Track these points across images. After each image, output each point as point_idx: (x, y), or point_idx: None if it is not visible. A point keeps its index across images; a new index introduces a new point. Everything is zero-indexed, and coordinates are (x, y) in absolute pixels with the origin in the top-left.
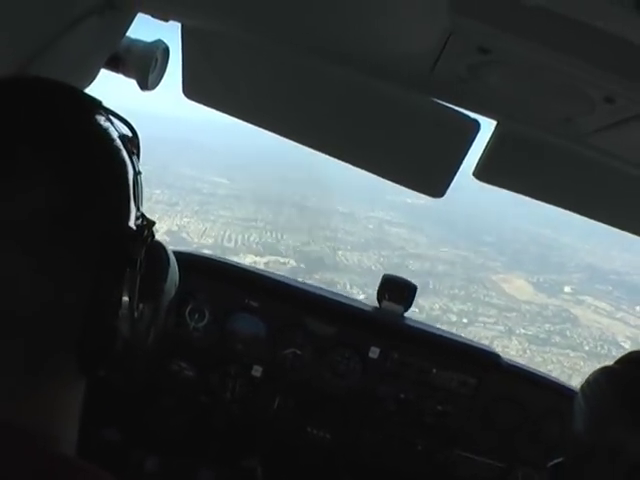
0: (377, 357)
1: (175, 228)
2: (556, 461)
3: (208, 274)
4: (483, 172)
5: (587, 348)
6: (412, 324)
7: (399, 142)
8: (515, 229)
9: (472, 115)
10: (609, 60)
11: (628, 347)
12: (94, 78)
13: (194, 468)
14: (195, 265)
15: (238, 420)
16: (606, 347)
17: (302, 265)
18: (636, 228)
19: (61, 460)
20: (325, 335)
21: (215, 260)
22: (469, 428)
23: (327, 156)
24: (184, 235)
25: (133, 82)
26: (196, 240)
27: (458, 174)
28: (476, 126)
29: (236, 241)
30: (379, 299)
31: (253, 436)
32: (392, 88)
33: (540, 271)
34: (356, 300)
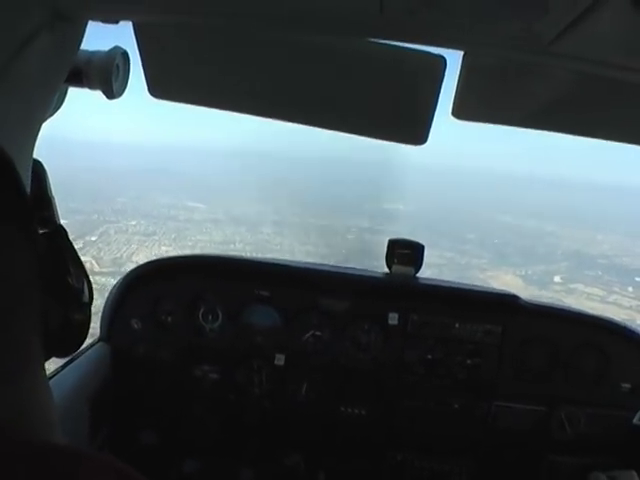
0: (397, 323)
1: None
2: None
3: (213, 273)
4: (461, 109)
5: None
6: (426, 282)
7: (369, 96)
8: (496, 223)
9: (436, 51)
10: None
11: None
12: (62, 100)
13: (234, 469)
14: (198, 267)
15: (271, 414)
16: None
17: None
18: (622, 134)
19: (56, 448)
20: (341, 311)
21: (217, 257)
22: (502, 377)
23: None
24: None
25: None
26: None
27: (428, 170)
28: (442, 62)
29: None
30: (388, 264)
31: (288, 428)
32: (348, 42)
33: (527, 263)
34: (365, 270)
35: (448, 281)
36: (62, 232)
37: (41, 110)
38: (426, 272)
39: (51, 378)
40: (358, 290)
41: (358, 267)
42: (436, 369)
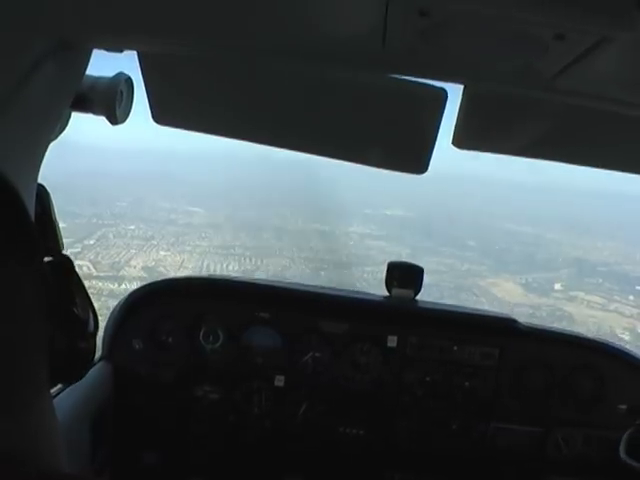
0: (396, 345)
1: (152, 263)
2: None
3: (214, 295)
4: (461, 139)
5: None
6: (424, 306)
7: (371, 126)
8: (496, 230)
9: (437, 84)
10: None
11: (628, 339)
12: (66, 123)
13: None
14: (199, 288)
15: (271, 434)
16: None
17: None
18: (620, 164)
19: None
20: (340, 333)
21: (218, 279)
22: (500, 398)
23: (303, 157)
24: (161, 269)
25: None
26: (173, 273)
27: (429, 177)
28: (444, 94)
29: (214, 271)
30: (388, 287)
31: (288, 448)
32: (352, 74)
33: (527, 271)
34: (366, 293)
35: (447, 304)
36: (68, 262)
37: (46, 135)
38: (426, 279)
39: (53, 397)
40: (358, 313)
41: (358, 290)
42: (434, 391)
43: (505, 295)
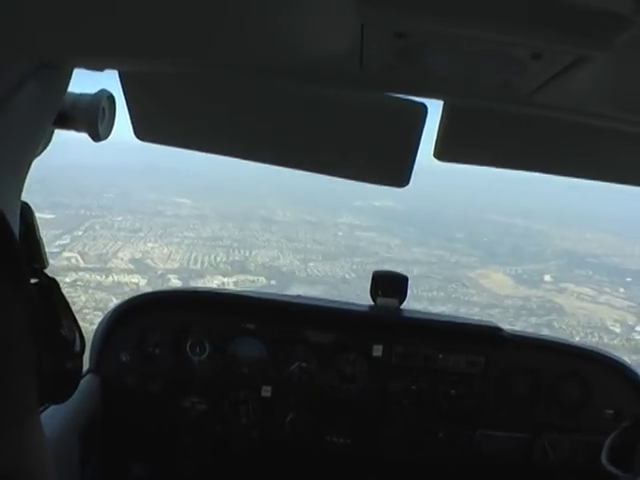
0: (381, 354)
1: (139, 255)
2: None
3: (200, 306)
4: (442, 152)
5: (577, 338)
6: (409, 315)
7: (353, 142)
8: (485, 222)
9: (417, 99)
10: (524, 17)
11: (619, 331)
12: (48, 141)
13: None
14: (185, 300)
15: (258, 444)
16: (597, 334)
17: (272, 282)
18: (598, 174)
19: None
20: (326, 343)
21: (203, 291)
22: (486, 406)
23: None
24: (148, 261)
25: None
26: (161, 266)
27: (418, 173)
28: (423, 109)
29: (202, 262)
30: (373, 297)
31: (276, 458)
32: (332, 90)
33: (517, 262)
34: (351, 303)
35: (432, 313)
36: (54, 285)
37: (29, 153)
38: (415, 270)
39: (41, 412)
40: (343, 322)
41: (344, 300)
42: (420, 399)
43: (494, 286)
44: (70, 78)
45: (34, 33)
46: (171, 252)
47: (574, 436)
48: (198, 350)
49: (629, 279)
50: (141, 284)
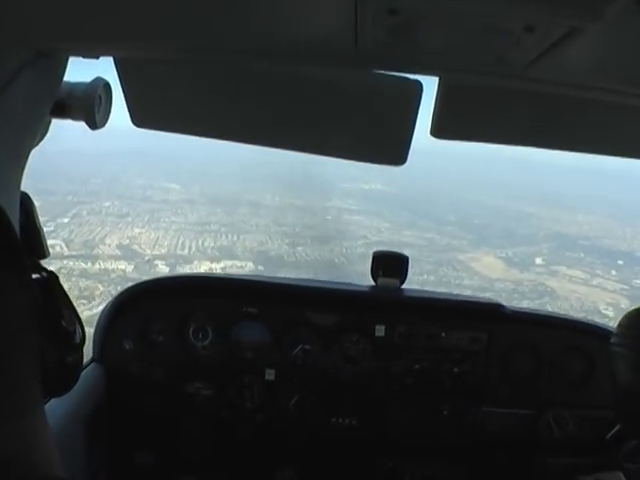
0: (384, 334)
1: (126, 241)
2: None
3: (201, 292)
4: (439, 129)
5: None
6: (411, 294)
7: (350, 121)
8: (476, 204)
9: (412, 76)
10: None
11: (612, 315)
12: (46, 130)
13: None
14: (187, 287)
15: (263, 428)
16: (590, 318)
17: (260, 267)
18: (595, 147)
19: None
20: (329, 325)
21: (205, 276)
22: (490, 383)
23: (285, 150)
24: (135, 247)
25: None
26: (148, 251)
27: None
28: (419, 87)
29: (190, 248)
30: (374, 277)
31: (281, 442)
32: (328, 70)
33: (508, 245)
34: (352, 284)
35: (433, 292)
36: (54, 278)
37: (27, 144)
38: (405, 252)
39: (46, 401)
40: (345, 304)
41: (345, 281)
42: (424, 378)
43: (485, 270)
44: (66, 67)
45: (29, 22)
46: (158, 237)
47: (578, 411)
48: (201, 336)
49: (621, 262)
50: (128, 270)
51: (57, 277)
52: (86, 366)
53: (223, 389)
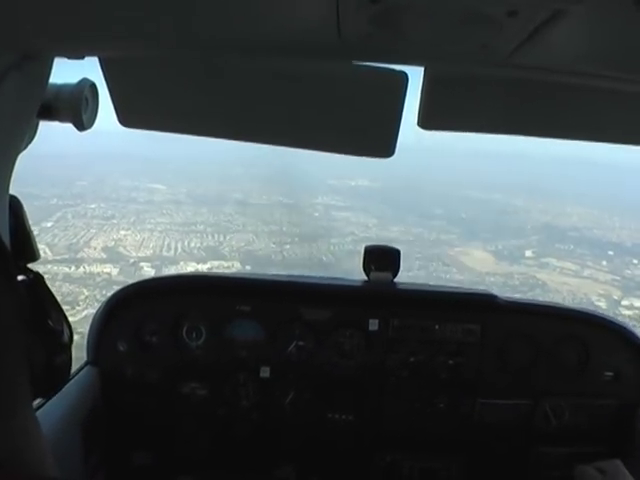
0: (377, 328)
1: (111, 243)
2: None
3: (194, 292)
4: (426, 120)
5: None
6: (404, 287)
7: (337, 114)
8: (463, 198)
9: (398, 67)
10: None
11: (604, 306)
12: (34, 133)
13: None
14: (179, 287)
15: (260, 426)
16: None
17: (247, 267)
18: (584, 134)
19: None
20: (322, 320)
21: (197, 276)
22: (485, 374)
23: (271, 146)
24: (121, 249)
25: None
26: (134, 254)
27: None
28: (404, 78)
29: (175, 249)
30: (366, 271)
31: (278, 439)
32: (313, 64)
33: (497, 238)
34: (344, 279)
35: (426, 284)
36: (40, 279)
37: (15, 147)
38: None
39: (42, 404)
40: (338, 299)
41: (338, 277)
42: (419, 371)
43: (475, 264)
44: (51, 69)
45: (13, 24)
46: (144, 239)
47: (575, 400)
48: (194, 335)
49: (611, 252)
50: (113, 274)
51: (43, 278)
52: (80, 369)
53: (218, 388)
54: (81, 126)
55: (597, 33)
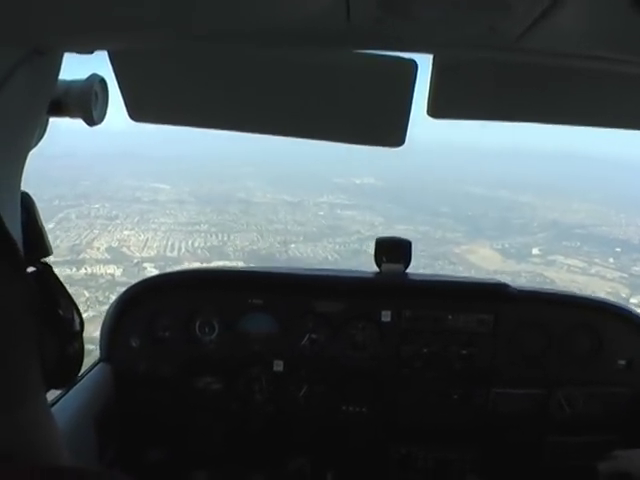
0: (390, 320)
1: (115, 244)
2: None
3: (206, 286)
4: (436, 108)
5: None
6: (416, 278)
7: (347, 104)
8: (469, 196)
9: (407, 56)
10: None
11: None
12: (44, 130)
13: (243, 477)
14: (191, 281)
15: (274, 419)
16: None
17: (252, 266)
18: (596, 120)
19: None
20: (335, 313)
21: (209, 270)
22: (498, 364)
23: (282, 137)
24: (124, 250)
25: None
26: (137, 254)
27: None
28: (414, 66)
29: (179, 249)
30: (378, 263)
31: (292, 432)
32: (322, 52)
33: (504, 236)
34: (356, 270)
35: (438, 274)
36: (48, 268)
37: (26, 143)
38: None
39: (56, 402)
40: (350, 291)
41: (350, 269)
42: (433, 362)
43: (482, 262)
44: (61, 64)
45: (23, 21)
46: (147, 239)
47: (588, 389)
48: (207, 330)
49: (618, 249)
50: (117, 274)
51: (51, 267)
52: (94, 366)
53: (232, 382)
54: (92, 122)
55: (604, 15)
